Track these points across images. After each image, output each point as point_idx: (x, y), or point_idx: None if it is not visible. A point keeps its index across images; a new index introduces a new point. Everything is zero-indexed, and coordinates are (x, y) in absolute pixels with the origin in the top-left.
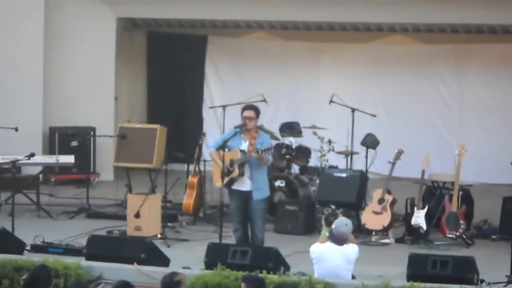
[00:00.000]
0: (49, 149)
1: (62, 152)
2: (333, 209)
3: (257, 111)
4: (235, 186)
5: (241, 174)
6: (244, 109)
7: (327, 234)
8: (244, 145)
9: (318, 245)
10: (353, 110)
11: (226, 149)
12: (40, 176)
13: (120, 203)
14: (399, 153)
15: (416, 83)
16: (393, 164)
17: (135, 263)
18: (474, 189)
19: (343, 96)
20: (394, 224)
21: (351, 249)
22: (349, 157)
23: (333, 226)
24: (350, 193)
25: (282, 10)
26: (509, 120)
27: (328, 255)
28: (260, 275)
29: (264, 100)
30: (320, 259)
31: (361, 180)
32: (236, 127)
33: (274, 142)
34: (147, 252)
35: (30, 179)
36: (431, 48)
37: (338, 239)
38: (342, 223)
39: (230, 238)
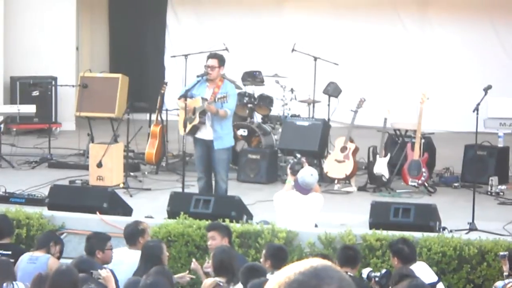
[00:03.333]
0: (10, 99)
1: (23, 101)
2: (299, 158)
3: (220, 59)
4: (199, 135)
5: (202, 122)
6: (207, 58)
7: (292, 183)
8: (208, 93)
9: (283, 194)
10: (315, 58)
11: (190, 97)
12: (1, 126)
13: (82, 153)
14: (361, 101)
15: (378, 30)
16: (355, 112)
17: (98, 213)
18: (436, 137)
19: (306, 44)
20: (356, 172)
21: (316, 199)
22: (311, 106)
23: (298, 175)
24: (313, 142)
25: None
26: (470, 68)
27: (292, 204)
28: (224, 223)
29: (226, 49)
30: (284, 208)
31: (324, 128)
32: (198, 76)
33: (229, 93)
34: (109, 202)
35: None
36: None
37: (303, 189)
38: (308, 173)
39: (193, 187)
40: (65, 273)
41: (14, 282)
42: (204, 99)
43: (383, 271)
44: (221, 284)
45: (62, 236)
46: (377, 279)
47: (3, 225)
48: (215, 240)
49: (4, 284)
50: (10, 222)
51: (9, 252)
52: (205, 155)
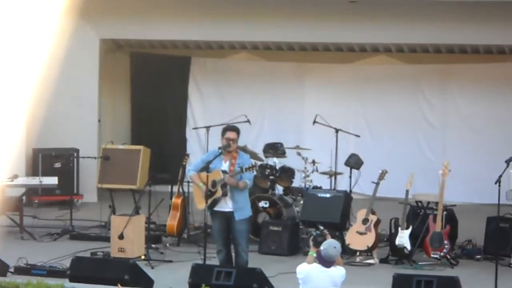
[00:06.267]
0: (32, 171)
1: (46, 173)
2: (321, 230)
3: (238, 132)
4: (217, 207)
5: (224, 194)
6: (225, 130)
7: (315, 255)
8: (225, 166)
9: (305, 266)
10: (336, 130)
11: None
12: (23, 198)
13: (103, 224)
14: (383, 173)
15: (400, 103)
16: (377, 184)
17: (119, 285)
18: (458, 209)
19: (327, 116)
20: (378, 244)
21: (338, 272)
22: (333, 178)
23: (321, 247)
24: (334, 214)
25: (264, 31)
26: (492, 139)
27: (315, 277)
28: None
29: (248, 121)
30: (306, 280)
31: (345, 200)
32: (219, 148)
33: (257, 162)
34: (131, 274)
35: (13, 201)
36: (414, 68)
37: (326, 261)
38: (331, 245)
39: (214, 259)
40: None
41: None
42: (224, 172)
43: None
44: None
45: None
46: None
47: None
48: None
49: None
50: None
51: None
52: (224, 228)
